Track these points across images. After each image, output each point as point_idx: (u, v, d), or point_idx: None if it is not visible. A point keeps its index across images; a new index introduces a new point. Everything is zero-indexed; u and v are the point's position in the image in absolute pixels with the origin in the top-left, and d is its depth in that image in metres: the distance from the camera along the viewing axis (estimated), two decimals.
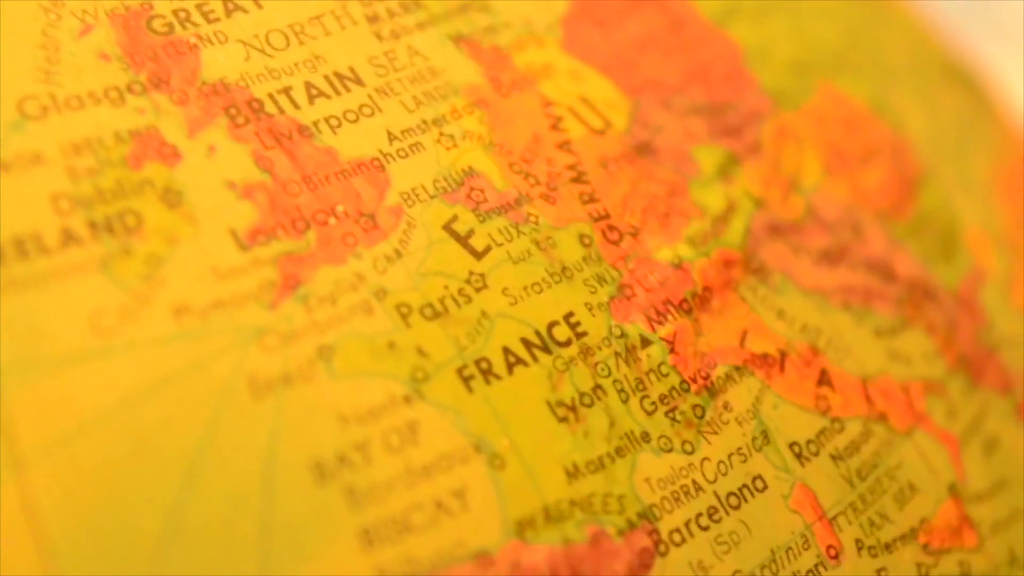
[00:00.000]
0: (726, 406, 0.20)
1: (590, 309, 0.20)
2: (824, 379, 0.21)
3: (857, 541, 0.20)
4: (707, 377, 0.20)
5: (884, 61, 0.26)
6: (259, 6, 0.20)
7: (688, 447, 0.20)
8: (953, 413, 0.22)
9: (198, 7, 0.20)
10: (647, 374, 0.20)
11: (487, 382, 0.19)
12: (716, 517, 0.19)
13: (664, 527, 0.19)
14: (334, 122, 0.20)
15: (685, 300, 0.21)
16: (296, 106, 0.20)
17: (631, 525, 0.19)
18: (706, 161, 0.22)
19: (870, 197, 0.24)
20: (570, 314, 0.20)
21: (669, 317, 0.20)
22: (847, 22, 0.26)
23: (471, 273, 0.19)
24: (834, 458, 0.21)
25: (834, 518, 0.20)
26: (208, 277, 0.18)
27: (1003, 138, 0.29)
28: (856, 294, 0.22)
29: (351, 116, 0.20)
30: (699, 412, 0.20)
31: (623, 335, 0.20)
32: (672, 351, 0.20)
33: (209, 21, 0.20)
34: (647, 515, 0.19)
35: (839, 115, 0.24)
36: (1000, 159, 0.28)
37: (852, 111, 0.25)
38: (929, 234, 0.24)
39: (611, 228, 0.21)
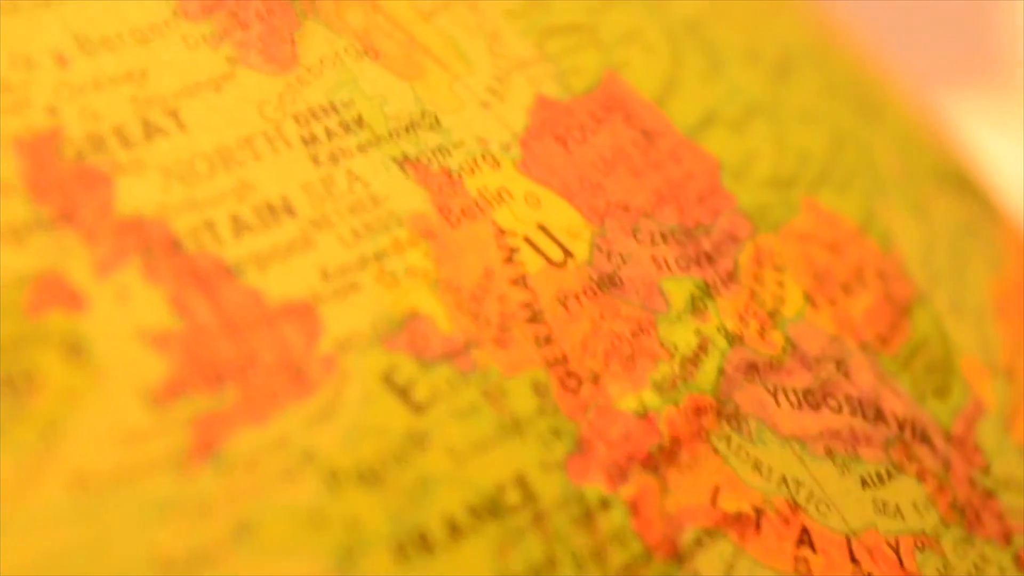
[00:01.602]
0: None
1: (544, 468, 0.18)
2: (804, 539, 0.19)
3: None
4: (674, 543, 0.18)
5: (873, 169, 0.24)
6: (183, 128, 0.18)
7: None
8: (948, 569, 0.20)
9: (115, 131, 0.18)
10: (607, 542, 0.18)
11: (427, 555, 0.17)
12: None
13: None
14: (261, 259, 0.18)
15: (650, 455, 0.19)
16: (219, 242, 0.18)
17: None
18: (676, 293, 0.20)
19: (856, 327, 0.22)
20: (521, 475, 0.18)
21: (632, 475, 0.18)
22: (833, 128, 0.24)
23: (411, 430, 0.17)
24: None
25: None
26: (111, 441, 0.16)
27: (1006, 247, 0.27)
28: (840, 439, 0.20)
29: (281, 252, 0.18)
30: None
31: (580, 498, 0.18)
32: (635, 514, 0.18)
33: (126, 147, 0.18)
34: None
35: (823, 235, 0.22)
36: (1002, 272, 0.26)
37: (838, 230, 0.23)
38: (921, 366, 0.22)
39: (569, 374, 0.19)
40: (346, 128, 0.19)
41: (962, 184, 0.27)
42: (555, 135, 0.21)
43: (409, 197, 0.19)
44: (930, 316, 0.23)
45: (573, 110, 0.21)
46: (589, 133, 0.21)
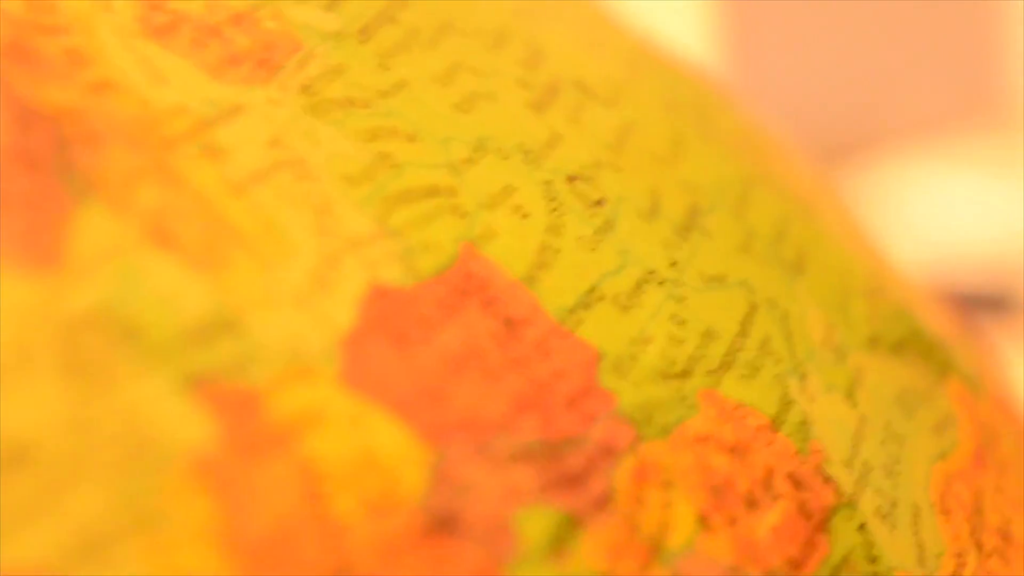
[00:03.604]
0: None
1: None
2: None
3: None
4: None
5: (791, 342, 0.21)
6: None
7: None
8: None
9: None
10: None
11: None
12: None
13: None
14: None
15: None
16: None
17: None
18: (532, 529, 0.17)
19: (761, 551, 0.18)
20: None
21: None
22: (745, 292, 0.21)
23: None
24: None
25: None
26: None
27: (958, 409, 0.23)
28: None
29: (17, 514, 0.15)
30: None
31: None
32: None
33: None
34: None
35: (724, 436, 0.19)
36: (950, 449, 0.22)
37: (742, 428, 0.19)
38: None
39: None
40: (117, 342, 0.16)
41: (905, 338, 0.23)
42: (391, 333, 0.17)
43: (191, 429, 0.16)
44: (854, 526, 0.19)
45: (417, 299, 0.18)
46: (435, 328, 0.18)
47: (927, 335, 0.24)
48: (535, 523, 0.17)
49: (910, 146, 1.06)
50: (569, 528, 0.17)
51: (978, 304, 0.93)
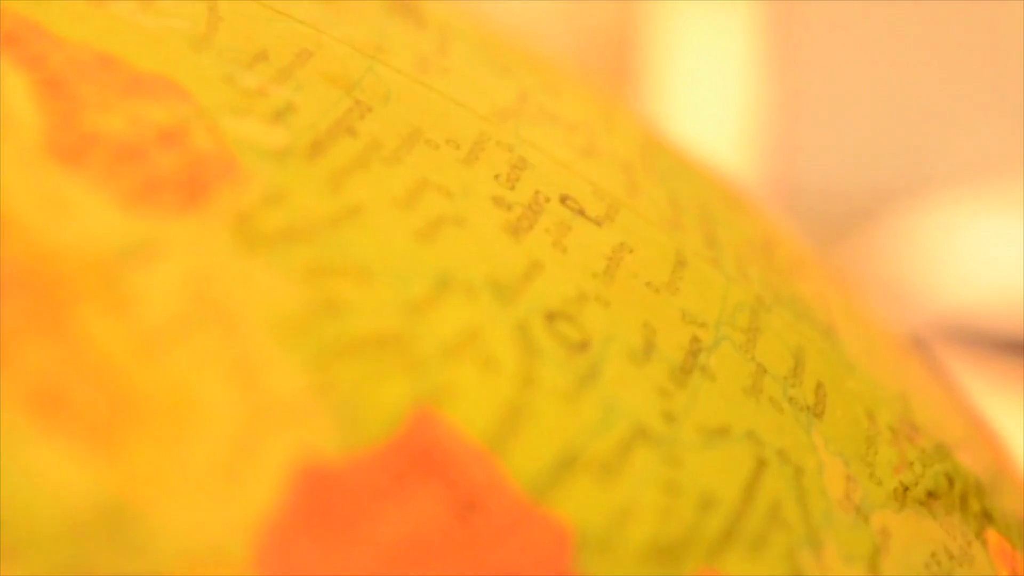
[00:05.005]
0: None
1: None
2: None
3: None
4: None
5: (803, 503, 0.18)
6: None
7: None
8: None
9: None
10: None
11: None
12: None
13: None
14: None
15: None
16: None
17: None
18: None
19: None
20: None
21: None
22: (752, 444, 0.18)
23: None
24: None
25: None
26: None
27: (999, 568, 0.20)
28: None
29: None
30: None
31: None
32: None
33: None
34: None
35: None
36: None
37: None
38: None
39: None
40: None
41: (938, 486, 0.21)
42: (321, 522, 0.15)
43: None
44: None
45: (355, 477, 0.15)
46: (376, 514, 0.15)
47: (963, 477, 0.21)
48: None
49: (958, 191, 1.03)
50: None
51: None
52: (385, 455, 0.15)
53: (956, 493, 0.21)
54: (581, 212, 0.19)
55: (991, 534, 0.21)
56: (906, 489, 0.20)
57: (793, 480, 0.18)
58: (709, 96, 0.98)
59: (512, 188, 0.19)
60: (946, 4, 1.03)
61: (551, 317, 0.17)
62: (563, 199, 0.19)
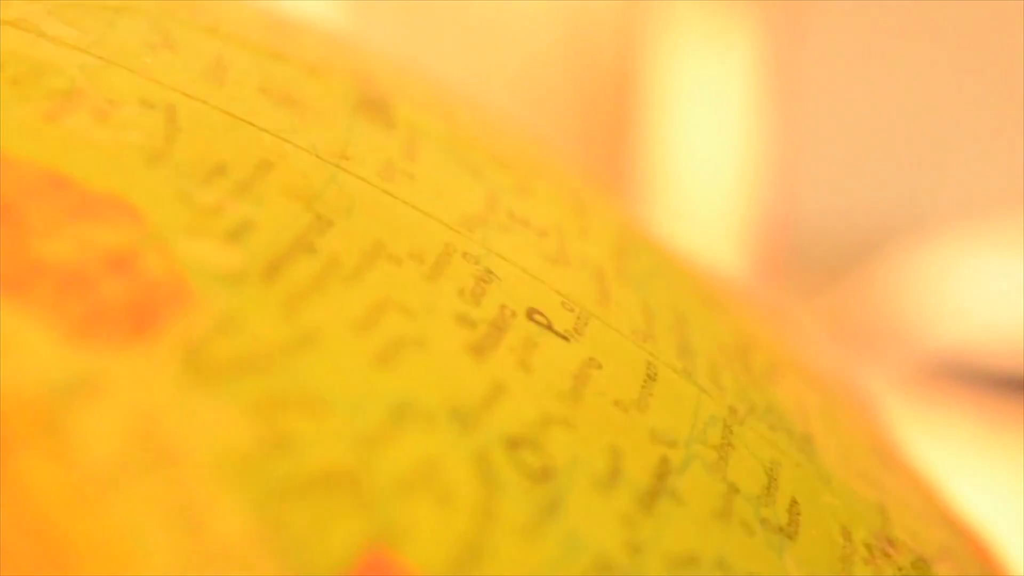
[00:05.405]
0: None
1: None
2: None
3: None
4: None
5: None
6: None
7: None
8: None
9: None
10: None
11: None
12: None
13: None
14: None
15: None
16: None
17: None
18: None
19: None
20: None
21: None
22: (726, 571, 0.18)
23: None
24: None
25: None
26: None
27: None
28: None
29: None
30: None
31: None
32: None
33: None
34: None
35: None
36: None
37: None
38: None
39: None
40: None
41: None
42: None
43: None
44: None
45: None
46: None
47: None
48: None
49: (957, 228, 1.02)
50: None
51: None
52: None
53: None
54: (549, 327, 0.19)
55: None
56: None
57: None
58: (710, 135, 0.97)
59: (477, 304, 0.18)
60: (947, 41, 1.03)
61: (513, 444, 0.17)
62: (530, 313, 0.19)
